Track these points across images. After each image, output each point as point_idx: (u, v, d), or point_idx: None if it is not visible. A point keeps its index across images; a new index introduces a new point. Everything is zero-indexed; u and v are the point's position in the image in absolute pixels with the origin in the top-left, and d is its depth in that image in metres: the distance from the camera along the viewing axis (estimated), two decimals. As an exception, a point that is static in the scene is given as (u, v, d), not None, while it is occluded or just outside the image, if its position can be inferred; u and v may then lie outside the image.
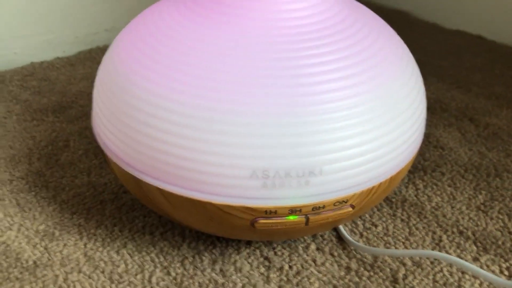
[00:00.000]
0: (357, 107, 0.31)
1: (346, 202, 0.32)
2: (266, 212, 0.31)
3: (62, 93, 0.58)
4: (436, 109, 0.57)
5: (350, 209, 0.33)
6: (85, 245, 0.38)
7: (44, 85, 0.60)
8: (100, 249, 0.38)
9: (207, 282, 0.35)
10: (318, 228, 0.35)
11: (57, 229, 0.39)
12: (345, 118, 0.31)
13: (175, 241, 0.39)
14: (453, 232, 0.40)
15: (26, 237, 0.38)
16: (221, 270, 0.36)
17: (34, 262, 0.36)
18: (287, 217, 0.32)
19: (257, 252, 0.38)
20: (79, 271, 0.36)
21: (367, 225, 0.41)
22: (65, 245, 0.38)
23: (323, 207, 0.32)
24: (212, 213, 0.32)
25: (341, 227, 0.40)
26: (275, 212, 0.31)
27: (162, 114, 0.31)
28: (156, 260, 0.37)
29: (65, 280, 0.35)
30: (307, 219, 0.32)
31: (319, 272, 0.36)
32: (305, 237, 0.39)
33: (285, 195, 0.31)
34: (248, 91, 0.30)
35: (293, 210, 0.31)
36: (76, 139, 0.50)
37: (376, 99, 0.32)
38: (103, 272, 0.36)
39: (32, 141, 0.49)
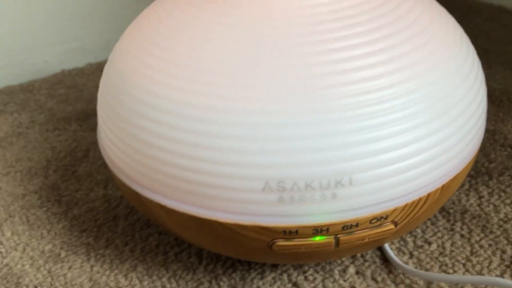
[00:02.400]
0: (397, 99, 0.25)
1: (385, 219, 0.26)
2: (284, 232, 0.26)
3: (88, 100, 0.55)
4: (503, 102, 0.49)
5: (392, 226, 0.27)
6: (91, 267, 0.34)
7: (71, 92, 0.57)
8: (108, 272, 0.33)
9: (223, 313, 0.30)
10: (353, 250, 0.29)
11: (63, 249, 0.35)
12: (380, 113, 0.24)
13: (190, 263, 0.34)
14: (527, 251, 0.32)
15: (30, 258, 0.35)
16: (240, 298, 0.31)
17: (35, 287, 0.33)
18: (312, 238, 0.26)
19: (284, 276, 0.32)
20: (82, 299, 0.32)
21: (419, 242, 0.34)
22: (70, 267, 0.34)
23: (356, 225, 0.26)
24: (222, 233, 0.27)
25: (386, 245, 0.33)
26: (296, 232, 0.26)
27: (158, 116, 0.26)
28: (168, 286, 0.32)
29: (65, 309, 0.31)
30: (337, 240, 0.26)
31: (358, 302, 0.30)
32: (343, 258, 0.33)
33: (307, 212, 0.25)
34: (256, 83, 0.24)
35: (318, 230, 0.26)
36: (96, 149, 0.46)
37: (423, 88, 0.25)
38: (107, 300, 0.31)
39: (51, 152, 0.46)
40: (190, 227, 0.27)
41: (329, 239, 0.26)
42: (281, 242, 0.26)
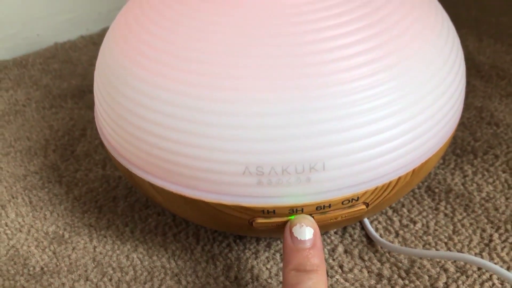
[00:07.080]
0: (365, 91, 0.26)
1: (357, 200, 0.28)
2: (263, 211, 0.27)
3: (83, 75, 0.56)
4: (492, 77, 0.50)
5: (363, 207, 0.28)
6: (94, 248, 0.36)
7: (66, 67, 0.58)
8: (110, 253, 0.35)
9: (220, 292, 0.32)
10: (330, 227, 0.31)
11: (67, 230, 0.37)
12: (350, 105, 0.26)
13: (188, 243, 0.36)
14: (506, 230, 0.34)
15: (35, 240, 0.37)
16: (236, 278, 0.33)
17: (42, 269, 0.34)
18: (288, 217, 0.28)
19: (277, 256, 0.34)
20: (86, 279, 0.33)
21: (405, 221, 0.36)
22: (74, 248, 0.36)
23: (329, 206, 0.27)
24: (206, 211, 0.28)
25: (369, 225, 0.35)
26: (274, 212, 0.27)
27: (146, 102, 0.27)
28: (167, 266, 0.34)
29: (71, 289, 0.33)
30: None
31: (346, 280, 0.32)
32: (332, 237, 0.35)
33: (283, 194, 0.27)
34: (234, 75, 0.26)
35: (294, 210, 0.27)
36: (93, 127, 0.47)
37: (392, 80, 0.26)
38: (110, 280, 0.33)
39: (49, 131, 0.47)
40: (178, 204, 0.29)
41: None
42: (260, 220, 0.28)
